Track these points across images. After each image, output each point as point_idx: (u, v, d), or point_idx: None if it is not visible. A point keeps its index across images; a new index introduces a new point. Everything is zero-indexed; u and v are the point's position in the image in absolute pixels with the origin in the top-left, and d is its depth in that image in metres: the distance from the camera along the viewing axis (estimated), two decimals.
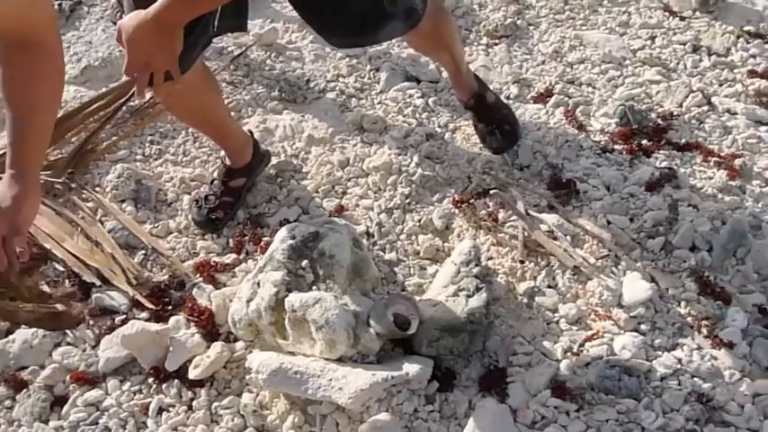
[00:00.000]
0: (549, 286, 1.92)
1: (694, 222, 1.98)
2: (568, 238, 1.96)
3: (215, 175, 2.16)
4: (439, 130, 2.34)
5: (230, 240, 2.08)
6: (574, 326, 1.83)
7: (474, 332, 1.74)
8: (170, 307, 1.94)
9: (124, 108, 2.40)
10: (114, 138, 2.33)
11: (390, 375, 1.63)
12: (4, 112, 1.36)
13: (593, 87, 2.46)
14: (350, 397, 1.59)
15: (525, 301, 1.90)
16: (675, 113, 2.34)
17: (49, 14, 1.40)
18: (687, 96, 2.39)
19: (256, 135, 2.28)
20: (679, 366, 1.73)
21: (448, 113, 2.39)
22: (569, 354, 1.77)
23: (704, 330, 1.80)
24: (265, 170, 2.22)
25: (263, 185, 2.19)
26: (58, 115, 2.39)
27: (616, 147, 2.26)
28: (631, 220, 2.04)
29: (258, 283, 1.81)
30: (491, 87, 2.45)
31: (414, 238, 2.08)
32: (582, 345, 1.78)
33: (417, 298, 1.90)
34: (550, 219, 2.00)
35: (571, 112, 2.36)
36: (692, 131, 2.31)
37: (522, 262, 1.94)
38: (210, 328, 1.87)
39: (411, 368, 1.67)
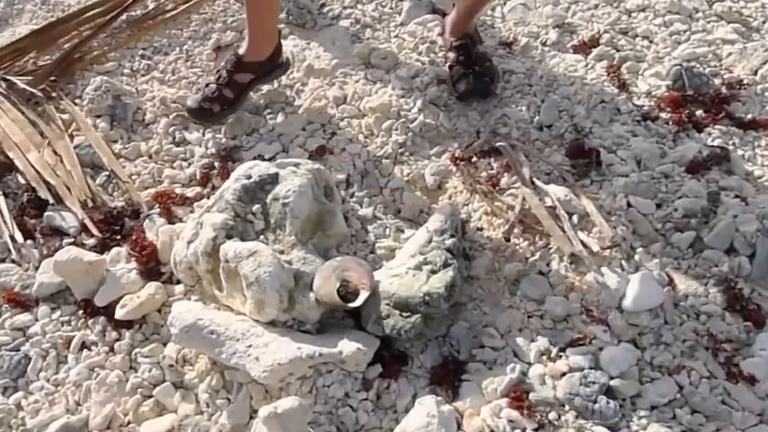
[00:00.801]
0: (541, 272, 1.55)
1: (738, 219, 1.54)
2: (574, 218, 1.57)
3: (223, 64, 1.87)
4: None
5: (198, 172, 1.81)
6: (558, 324, 1.46)
7: (428, 316, 1.41)
8: (119, 237, 1.71)
9: (123, 17, 2.15)
10: (106, 48, 2.09)
11: (318, 352, 1.34)
12: None
13: (650, 41, 1.99)
14: (264, 370, 1.32)
15: (508, 286, 1.55)
16: (746, 82, 1.84)
17: None
18: (765, 63, 1.89)
19: None
20: (678, 396, 1.34)
21: None
22: (545, 358, 1.41)
23: (722, 356, 1.39)
24: (254, 98, 1.93)
25: (246, 115, 1.89)
26: (53, 19, 2.19)
27: (661, 114, 1.81)
28: (659, 206, 1.61)
29: (201, 224, 1.55)
30: (525, 30, 2.04)
31: (398, 194, 1.74)
32: (563, 349, 1.42)
33: (383, 263, 1.58)
34: (557, 191, 1.61)
35: (615, 69, 1.91)
36: (763, 106, 1.82)
37: (507, 239, 1.57)
38: (153, 265, 1.63)
39: (347, 347, 1.37)
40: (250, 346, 1.35)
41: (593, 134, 1.78)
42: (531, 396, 1.34)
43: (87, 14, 2.14)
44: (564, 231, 1.53)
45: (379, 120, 1.85)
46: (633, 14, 2.06)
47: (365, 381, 1.40)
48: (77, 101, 1.98)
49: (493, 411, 1.33)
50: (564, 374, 1.37)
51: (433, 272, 1.44)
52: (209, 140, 1.87)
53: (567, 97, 1.86)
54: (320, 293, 1.42)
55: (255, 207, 1.54)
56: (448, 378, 1.41)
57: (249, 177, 1.57)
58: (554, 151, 1.76)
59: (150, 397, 1.46)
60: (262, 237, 1.50)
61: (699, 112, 1.79)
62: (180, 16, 2.15)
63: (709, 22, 2.01)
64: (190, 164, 1.84)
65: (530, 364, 1.41)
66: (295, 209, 1.52)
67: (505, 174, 1.72)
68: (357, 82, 1.97)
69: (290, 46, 2.07)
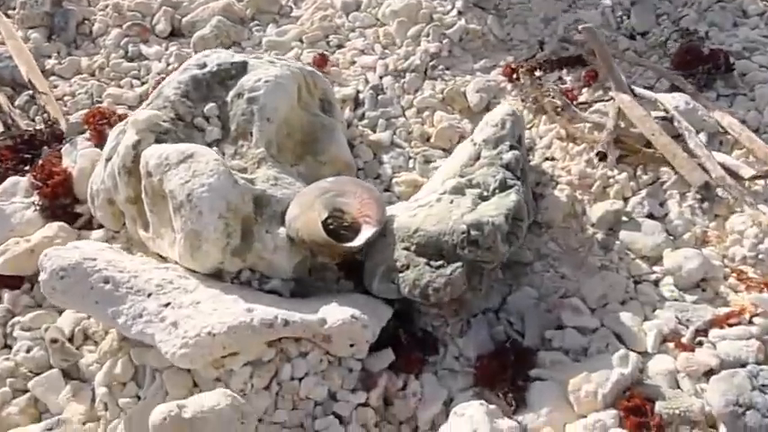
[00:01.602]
0: (652, 215, 0.95)
1: None
2: (701, 136, 0.98)
3: None
4: None
5: (152, 91, 1.27)
6: (690, 293, 0.86)
7: (476, 266, 0.82)
8: (27, 166, 1.17)
9: None
10: None
11: (283, 318, 0.76)
12: None
13: None
14: (183, 344, 0.73)
15: (600, 236, 0.95)
16: None
17: None
18: None
19: None
20: None
21: None
22: (672, 345, 0.81)
23: None
24: (236, 6, 1.39)
25: (226, 26, 1.35)
26: None
27: None
28: None
29: (125, 131, 0.99)
30: None
31: (427, 115, 1.17)
32: (703, 331, 0.81)
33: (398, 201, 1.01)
34: (674, 100, 1.02)
35: None
36: None
37: (602, 158, 0.97)
38: (63, 201, 1.06)
39: (335, 314, 0.78)
40: (167, 305, 0.76)
41: (710, 40, 1.19)
42: (659, 407, 0.73)
43: None
44: (692, 154, 0.93)
45: (403, 25, 1.29)
46: None
47: (366, 375, 0.80)
48: (12, 11, 1.47)
49: (590, 431, 0.72)
50: (711, 371, 0.76)
51: (484, 198, 0.85)
52: (171, 54, 1.33)
53: None
54: (296, 226, 0.83)
55: (209, 107, 0.97)
56: (505, 374, 0.80)
57: (203, 67, 1.01)
58: (656, 62, 1.18)
59: (25, 392, 0.89)
60: (215, 149, 0.94)
61: None
62: None
63: None
64: (143, 82, 1.30)
65: (647, 355, 0.80)
66: (267, 107, 0.95)
67: (585, 88, 1.14)
68: None
69: None
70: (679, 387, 0.75)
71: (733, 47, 1.16)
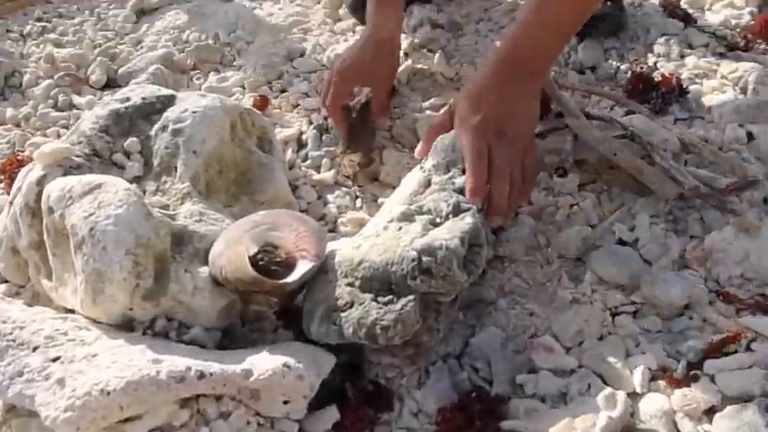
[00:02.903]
0: (622, 241, 0.83)
1: None
2: (667, 153, 0.88)
3: None
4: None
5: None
6: (675, 322, 0.72)
7: (430, 299, 0.67)
8: None
9: None
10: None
11: (198, 370, 0.59)
12: None
13: None
14: (68, 407, 0.55)
15: (568, 267, 0.82)
16: None
17: None
18: None
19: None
20: None
21: None
22: (666, 382, 0.66)
23: None
24: (177, 56, 1.28)
25: (164, 73, 1.23)
26: None
27: (755, 46, 1.17)
28: None
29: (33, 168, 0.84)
30: None
31: (374, 153, 1.04)
32: (696, 364, 0.66)
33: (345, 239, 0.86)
34: (632, 120, 0.92)
35: (672, 3, 1.29)
36: None
37: (561, 174, 0.85)
38: None
39: (263, 363, 0.62)
40: (56, 359, 0.59)
41: (660, 70, 1.12)
42: None
43: None
44: (664, 167, 0.81)
45: None
46: None
47: None
48: None
49: None
50: (713, 409, 0.61)
51: (435, 224, 0.72)
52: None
53: (611, 32, 1.22)
54: (219, 263, 0.68)
55: (129, 142, 0.83)
56: (472, 429, 0.64)
57: (127, 101, 0.87)
58: (607, 91, 1.09)
59: None
60: (135, 186, 0.79)
61: None
62: None
63: None
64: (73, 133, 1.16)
65: (635, 394, 0.66)
66: (193, 139, 0.81)
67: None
68: (321, 35, 1.34)
69: (235, 5, 1.46)
70: (678, 430, 0.61)
71: (683, 74, 1.09)
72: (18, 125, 1.18)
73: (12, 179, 1.01)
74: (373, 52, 1.05)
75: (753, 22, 1.19)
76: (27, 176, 0.78)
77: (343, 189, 0.98)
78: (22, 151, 1.11)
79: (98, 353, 0.59)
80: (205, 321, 0.68)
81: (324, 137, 1.07)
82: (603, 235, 0.83)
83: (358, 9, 1.28)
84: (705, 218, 0.80)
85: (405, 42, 1.23)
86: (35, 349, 0.60)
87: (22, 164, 1.03)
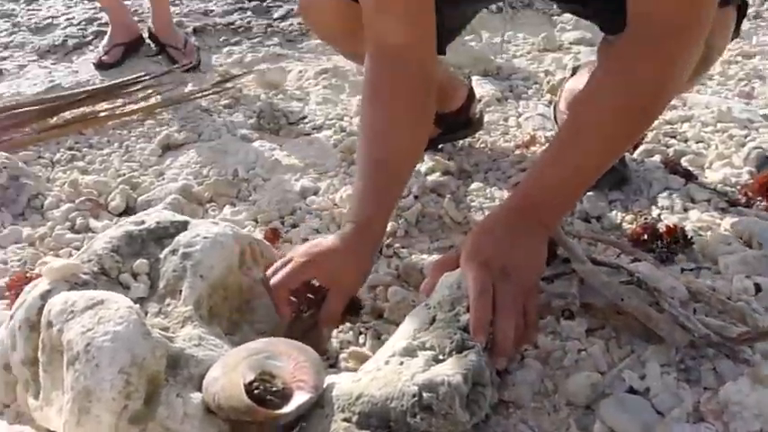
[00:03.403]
0: (633, 390, 0.80)
1: None
2: (675, 301, 0.87)
3: None
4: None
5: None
6: None
7: None
8: None
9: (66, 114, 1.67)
10: (26, 137, 1.57)
11: None
12: None
13: (706, 144, 1.47)
14: None
15: (576, 416, 0.79)
16: None
17: None
18: None
19: (207, 157, 1.46)
20: None
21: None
22: None
23: None
24: (196, 188, 1.35)
25: (181, 203, 1.29)
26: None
27: (756, 202, 1.21)
28: None
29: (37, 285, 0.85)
30: (546, 133, 1.54)
31: (380, 290, 1.05)
32: None
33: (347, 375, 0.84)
34: (637, 268, 0.93)
35: (672, 161, 1.35)
36: None
37: (568, 317, 0.85)
38: None
39: None
40: None
41: (663, 222, 1.15)
42: None
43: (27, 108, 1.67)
44: (666, 311, 0.81)
45: None
46: (676, 124, 1.57)
47: None
48: None
49: None
50: None
51: (438, 360, 0.70)
52: None
53: (615, 185, 1.28)
54: (213, 390, 0.66)
55: (138, 263, 0.85)
56: None
57: (141, 224, 0.91)
58: (612, 239, 1.12)
59: None
60: (137, 306, 0.79)
61: None
62: (131, 114, 1.67)
63: None
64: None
65: None
66: (202, 264, 0.83)
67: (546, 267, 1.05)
68: (335, 177, 1.41)
69: (256, 146, 1.56)
70: None
71: (687, 227, 1.12)
72: (32, 244, 1.22)
73: (17, 296, 1.03)
74: (349, 252, 0.92)
75: (751, 181, 1.24)
76: (32, 291, 0.79)
77: (347, 325, 0.98)
78: (32, 269, 1.14)
79: None
80: None
81: None
82: (613, 382, 0.81)
83: None
84: (718, 368, 0.78)
85: (415, 186, 1.29)
86: None
87: (29, 281, 1.06)
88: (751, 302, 0.88)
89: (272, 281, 0.88)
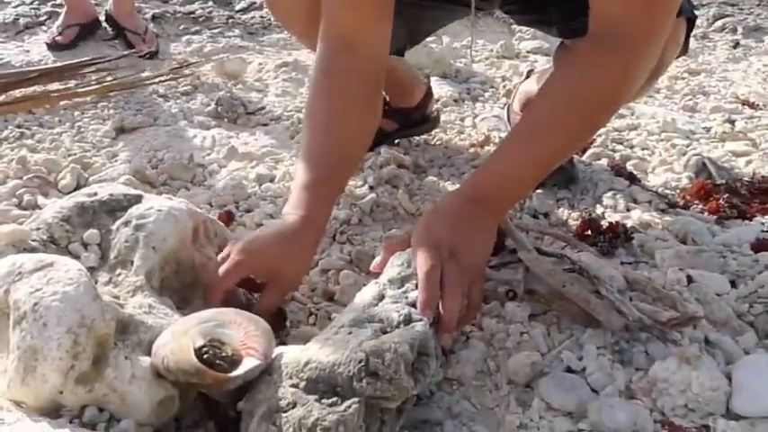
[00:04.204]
0: (570, 368, 0.85)
1: None
2: (613, 288, 0.93)
3: None
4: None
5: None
6: None
7: (376, 403, 0.65)
8: None
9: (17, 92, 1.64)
10: None
11: None
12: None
13: (651, 151, 1.55)
14: None
15: (516, 393, 0.83)
16: None
17: None
18: None
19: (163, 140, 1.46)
20: None
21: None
22: None
23: None
24: (149, 171, 1.34)
25: (133, 184, 1.28)
26: None
27: (693, 205, 1.29)
28: (733, 284, 1.00)
29: None
30: (499, 134, 1.60)
31: (332, 273, 1.08)
32: None
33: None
34: (579, 257, 0.99)
35: (618, 165, 1.43)
36: None
37: (512, 297, 0.89)
38: None
39: None
40: None
41: (607, 219, 1.22)
42: None
43: None
44: (604, 296, 0.87)
45: None
46: (623, 132, 1.66)
47: None
48: None
49: None
50: None
51: (386, 332, 0.73)
52: None
53: (563, 184, 1.34)
54: (162, 353, 0.67)
55: (89, 233, 0.85)
56: None
57: (93, 195, 0.91)
58: (558, 233, 1.17)
59: None
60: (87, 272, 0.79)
61: (737, 201, 1.27)
62: (84, 96, 1.66)
63: (711, 141, 1.62)
64: None
65: None
66: (154, 235, 0.84)
67: (493, 257, 1.10)
68: (291, 165, 1.43)
69: (213, 133, 1.56)
70: None
71: (629, 224, 1.18)
72: None
73: None
74: (290, 245, 0.90)
75: (690, 186, 1.33)
76: None
77: (298, 305, 1.00)
78: None
79: None
80: (139, 415, 0.66)
81: None
82: (552, 362, 0.85)
83: None
84: (649, 350, 0.84)
85: (371, 176, 1.33)
86: None
87: None
88: (683, 292, 0.95)
89: (206, 280, 0.87)
